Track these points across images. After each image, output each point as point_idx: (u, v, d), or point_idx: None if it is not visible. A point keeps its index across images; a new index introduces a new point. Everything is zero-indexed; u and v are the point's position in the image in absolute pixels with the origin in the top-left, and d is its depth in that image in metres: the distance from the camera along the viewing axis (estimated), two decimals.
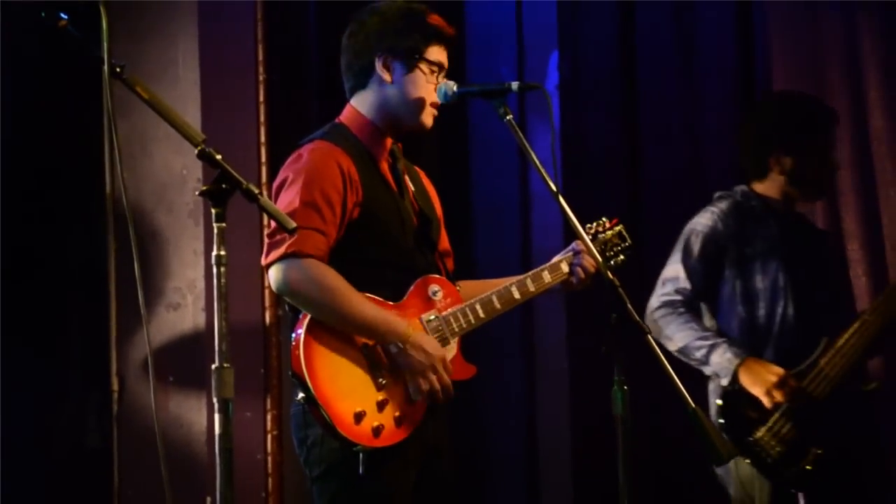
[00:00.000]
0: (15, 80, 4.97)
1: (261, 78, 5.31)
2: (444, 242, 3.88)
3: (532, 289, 3.78)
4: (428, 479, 3.63)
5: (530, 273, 3.79)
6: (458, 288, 3.73)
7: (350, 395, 3.44)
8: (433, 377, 3.52)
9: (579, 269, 3.81)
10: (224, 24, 5.32)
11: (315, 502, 3.59)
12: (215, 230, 2.86)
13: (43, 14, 2.89)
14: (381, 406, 3.47)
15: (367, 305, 3.48)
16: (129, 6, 5.22)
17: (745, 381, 4.52)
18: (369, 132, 3.68)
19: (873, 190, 5.45)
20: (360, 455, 3.43)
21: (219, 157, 2.87)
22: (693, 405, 3.33)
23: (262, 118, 5.28)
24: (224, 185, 2.87)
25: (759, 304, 4.65)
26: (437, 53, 3.70)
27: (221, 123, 5.08)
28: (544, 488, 6.29)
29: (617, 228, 3.97)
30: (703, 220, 4.70)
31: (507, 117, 3.52)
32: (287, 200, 3.48)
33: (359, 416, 3.42)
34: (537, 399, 6.19)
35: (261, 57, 5.32)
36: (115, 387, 5.17)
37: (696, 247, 4.67)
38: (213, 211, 2.87)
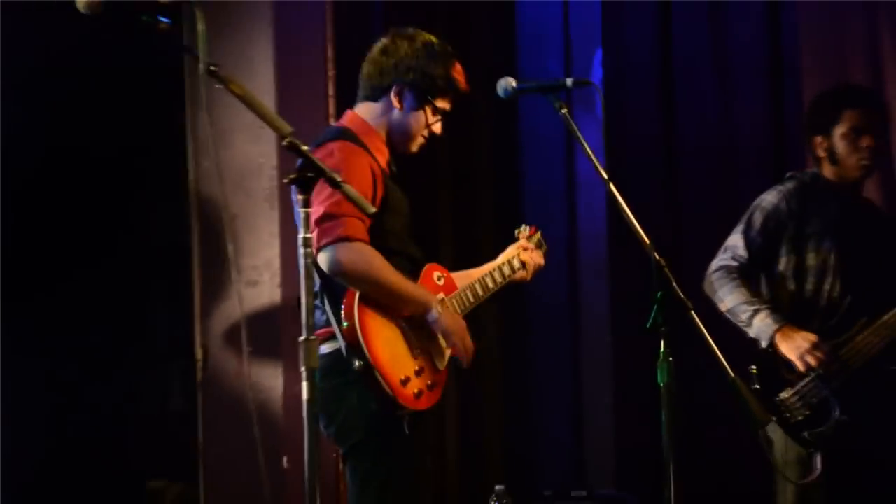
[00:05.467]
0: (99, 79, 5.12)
1: (329, 74, 5.45)
2: None
3: (507, 274, 4.18)
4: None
5: (500, 262, 4.18)
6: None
7: (397, 362, 3.70)
8: (466, 337, 3.87)
9: (528, 261, 4.25)
10: (295, 25, 5.45)
11: (351, 472, 3.79)
12: (302, 215, 3.01)
13: (144, 17, 2.96)
14: (418, 373, 3.75)
15: (408, 281, 3.78)
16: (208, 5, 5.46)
17: (781, 345, 4.64)
18: (374, 139, 3.90)
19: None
20: (406, 417, 3.70)
21: (304, 147, 3.02)
22: (732, 374, 3.49)
23: (330, 111, 5.44)
24: (309, 174, 3.04)
25: (807, 279, 4.75)
26: (445, 102, 3.93)
27: (293, 116, 5.34)
28: (588, 458, 6.43)
29: (536, 236, 4.37)
30: (769, 198, 4.81)
31: (563, 111, 3.64)
32: (329, 191, 3.60)
33: (404, 382, 3.69)
34: (582, 371, 6.35)
35: (329, 54, 5.45)
36: (199, 356, 5.31)
37: (757, 221, 4.79)
38: (299, 197, 3.03)
